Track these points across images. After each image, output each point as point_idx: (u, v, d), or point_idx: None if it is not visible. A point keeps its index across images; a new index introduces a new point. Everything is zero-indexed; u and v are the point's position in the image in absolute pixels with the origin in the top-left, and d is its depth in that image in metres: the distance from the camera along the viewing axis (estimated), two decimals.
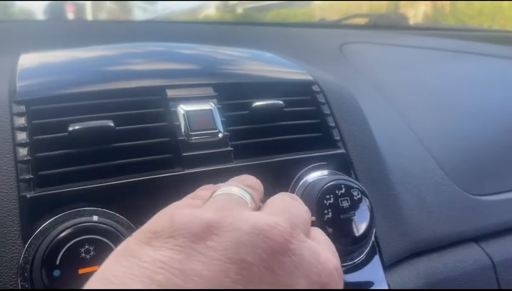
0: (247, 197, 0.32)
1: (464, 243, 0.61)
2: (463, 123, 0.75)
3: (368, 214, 0.50)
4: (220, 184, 0.36)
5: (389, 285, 0.52)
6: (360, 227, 0.49)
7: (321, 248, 0.30)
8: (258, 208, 0.33)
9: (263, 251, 0.26)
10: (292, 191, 0.51)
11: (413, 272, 0.55)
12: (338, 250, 0.48)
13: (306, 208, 0.34)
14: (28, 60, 0.55)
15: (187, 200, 0.34)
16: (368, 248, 0.52)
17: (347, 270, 0.50)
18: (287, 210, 0.31)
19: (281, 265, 0.26)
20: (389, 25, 1.38)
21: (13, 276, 0.39)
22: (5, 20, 1.18)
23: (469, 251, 0.61)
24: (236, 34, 1.06)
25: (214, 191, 0.34)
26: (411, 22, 1.58)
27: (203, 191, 0.36)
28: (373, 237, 0.53)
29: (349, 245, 0.49)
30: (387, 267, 0.53)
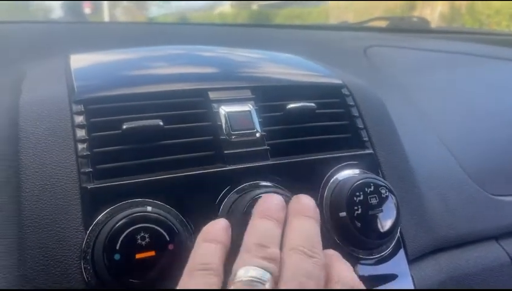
0: (266, 279, 0.34)
1: (485, 241, 0.64)
2: (485, 126, 0.78)
3: (394, 211, 0.53)
4: (240, 258, 0.37)
5: (412, 278, 0.55)
6: (386, 222, 0.52)
7: None
8: (277, 280, 0.35)
9: None
10: (323, 189, 0.55)
11: (435, 266, 0.58)
12: (366, 243, 0.52)
13: (320, 265, 0.37)
14: (79, 61, 0.60)
15: (199, 280, 0.36)
16: (394, 243, 0.56)
17: (374, 263, 0.54)
18: (301, 275, 0.35)
19: None
20: (410, 28, 1.40)
21: (76, 259, 0.43)
22: (34, 22, 1.22)
23: (489, 249, 0.64)
24: (258, 36, 1.10)
25: (232, 273, 0.35)
26: (432, 25, 1.59)
27: (210, 252, 0.38)
28: (398, 232, 0.56)
29: (376, 239, 0.52)
30: (411, 261, 0.57)
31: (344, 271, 0.39)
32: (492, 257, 0.63)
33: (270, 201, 0.43)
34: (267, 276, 0.35)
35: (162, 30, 1.06)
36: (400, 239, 0.57)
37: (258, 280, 0.34)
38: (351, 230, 0.52)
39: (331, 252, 0.41)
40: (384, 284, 0.54)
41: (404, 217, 0.57)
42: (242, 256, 0.37)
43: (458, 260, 0.61)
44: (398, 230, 0.56)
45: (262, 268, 0.35)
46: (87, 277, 0.43)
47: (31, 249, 0.43)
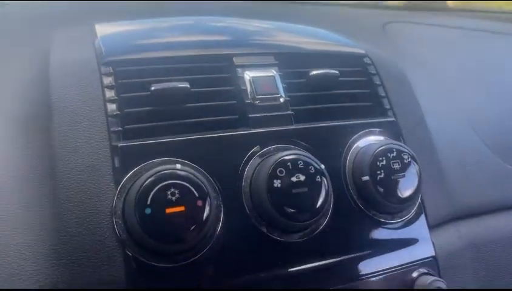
0: None
1: (505, 210, 0.65)
2: (506, 100, 0.78)
3: (416, 176, 0.54)
4: None
5: (433, 243, 0.56)
6: (408, 187, 0.53)
7: None
8: None
9: None
10: (346, 154, 0.55)
11: (455, 233, 0.59)
12: (388, 208, 0.53)
13: None
14: (105, 29, 0.60)
15: None
16: (415, 208, 0.56)
17: (396, 228, 0.55)
18: None
19: None
20: (427, 6, 1.39)
21: (108, 214, 0.44)
22: None
23: (509, 218, 0.64)
24: (275, 10, 1.09)
25: None
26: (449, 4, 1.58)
27: None
28: (420, 198, 0.57)
29: (398, 204, 0.53)
30: (431, 227, 0.57)
31: None
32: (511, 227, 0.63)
33: None
34: None
35: (180, 6, 1.06)
36: (421, 205, 0.57)
37: None
38: (373, 194, 0.52)
39: None
40: (405, 247, 0.54)
41: (425, 185, 0.58)
42: None
43: (478, 228, 0.61)
44: (420, 195, 0.56)
45: None
46: (119, 232, 0.44)
47: (65, 203, 0.44)
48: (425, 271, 0.54)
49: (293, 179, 0.47)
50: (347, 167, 0.54)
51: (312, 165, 0.49)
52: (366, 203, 0.54)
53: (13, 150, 0.47)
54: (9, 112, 0.50)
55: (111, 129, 0.47)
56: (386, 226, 0.54)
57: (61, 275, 0.42)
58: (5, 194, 0.44)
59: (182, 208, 0.43)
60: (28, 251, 0.42)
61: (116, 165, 0.46)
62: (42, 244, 0.43)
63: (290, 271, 0.48)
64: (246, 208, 0.49)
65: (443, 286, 0.51)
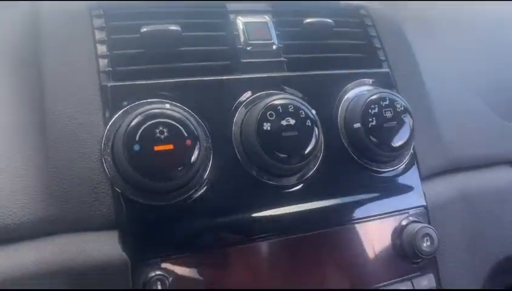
0: None
1: (498, 165, 0.65)
2: (507, 59, 0.76)
3: (409, 126, 0.53)
4: None
5: (424, 193, 0.56)
6: (400, 136, 0.53)
7: None
8: None
9: None
10: (339, 102, 0.55)
11: (447, 185, 0.59)
12: (379, 156, 0.53)
13: None
14: None
15: None
16: (407, 158, 0.56)
17: (387, 178, 0.55)
18: None
19: None
20: None
21: (97, 152, 0.44)
22: None
23: (502, 172, 0.64)
24: None
25: None
26: None
27: None
28: (412, 149, 0.57)
29: (390, 152, 0.53)
30: (423, 178, 0.57)
31: None
32: (505, 180, 0.63)
33: None
34: None
35: None
36: (413, 155, 0.57)
37: None
38: (365, 142, 0.52)
39: None
40: (396, 196, 0.54)
41: (418, 136, 0.57)
42: None
43: (471, 180, 0.61)
44: (412, 145, 0.56)
45: None
46: (108, 169, 0.44)
47: (55, 140, 0.44)
48: (415, 219, 0.54)
49: (283, 122, 0.47)
50: (339, 115, 0.54)
51: (303, 110, 0.48)
52: (358, 151, 0.53)
53: (3, 88, 0.47)
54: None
55: (101, 69, 0.47)
56: (377, 174, 0.54)
57: (50, 210, 0.42)
58: None
59: (171, 147, 0.43)
60: (18, 185, 0.42)
61: (105, 105, 0.46)
62: (32, 179, 0.43)
63: (280, 213, 0.48)
64: (236, 151, 0.49)
65: (432, 233, 0.52)
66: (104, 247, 0.43)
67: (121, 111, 0.46)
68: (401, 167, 0.56)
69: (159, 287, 0.42)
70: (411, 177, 0.56)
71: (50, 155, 0.44)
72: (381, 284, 0.51)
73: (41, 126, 0.45)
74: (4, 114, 0.46)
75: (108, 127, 0.45)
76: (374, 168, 0.54)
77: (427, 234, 0.52)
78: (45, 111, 0.45)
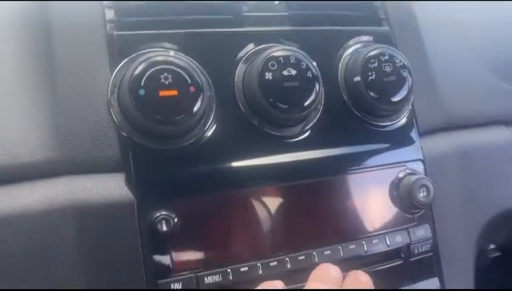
0: None
1: (495, 125, 0.66)
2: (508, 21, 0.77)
3: (407, 81, 0.55)
4: None
5: (422, 148, 0.57)
6: (399, 90, 0.54)
7: None
8: None
9: None
10: (340, 57, 0.56)
11: (445, 141, 0.60)
12: (378, 110, 0.54)
13: None
14: None
15: None
16: (406, 113, 0.57)
17: (386, 133, 0.56)
18: None
19: None
20: None
21: (103, 97, 0.46)
22: None
23: (498, 132, 0.65)
24: None
25: None
26: None
27: None
28: (411, 105, 0.58)
29: (388, 106, 0.54)
30: (421, 134, 0.59)
31: None
32: (502, 139, 0.64)
33: (330, 272, 0.44)
34: None
35: None
36: (412, 111, 0.58)
37: None
38: (364, 96, 0.53)
39: None
40: (394, 149, 0.56)
41: (417, 93, 0.59)
42: None
43: (468, 138, 0.62)
44: (411, 101, 0.57)
45: None
46: (114, 113, 0.45)
47: (62, 84, 0.45)
48: (412, 171, 0.55)
49: (285, 72, 0.48)
50: (339, 69, 0.55)
51: (304, 62, 0.50)
52: (357, 105, 0.55)
53: (14, 41, 0.48)
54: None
55: (107, 18, 0.48)
56: (376, 128, 0.55)
57: (59, 151, 0.44)
58: (6, 77, 0.46)
59: (175, 92, 0.44)
60: (28, 128, 0.44)
61: (112, 53, 0.47)
62: (42, 122, 0.44)
63: (280, 162, 0.50)
64: (238, 101, 0.50)
65: (429, 184, 0.53)
66: (110, 188, 0.44)
67: (127, 59, 0.47)
68: (400, 121, 0.57)
69: (165, 227, 0.44)
70: (409, 132, 0.57)
71: (59, 100, 0.45)
72: (378, 232, 0.52)
73: (50, 73, 0.46)
74: (15, 63, 0.47)
75: (114, 74, 0.46)
76: (373, 122, 0.55)
77: (424, 185, 0.53)
78: (54, 59, 0.46)
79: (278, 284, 0.44)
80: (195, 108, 0.45)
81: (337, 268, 0.45)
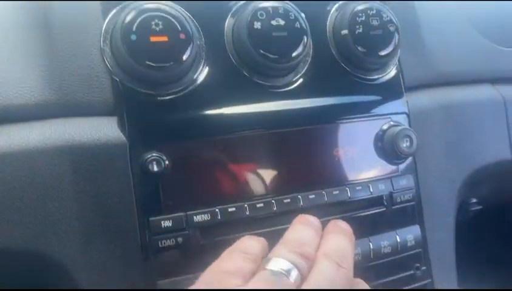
0: (293, 275, 0.36)
1: (481, 83, 0.68)
2: None
3: (394, 35, 0.56)
4: (275, 249, 0.39)
5: (407, 102, 0.59)
6: (386, 45, 0.56)
7: None
8: (302, 281, 0.36)
9: None
10: (328, 12, 0.57)
11: (430, 96, 0.62)
12: (365, 63, 0.55)
13: (347, 278, 0.38)
14: None
15: (237, 261, 0.37)
16: (393, 68, 0.59)
17: (372, 84, 0.58)
18: (326, 282, 0.35)
19: None
20: None
21: (96, 43, 0.47)
22: None
23: (484, 90, 0.67)
24: None
25: (264, 260, 0.38)
26: None
27: (252, 245, 0.40)
28: (398, 60, 0.59)
29: (375, 59, 0.56)
30: (407, 89, 0.60)
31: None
32: (486, 96, 0.66)
33: (309, 219, 0.45)
34: (295, 272, 0.36)
35: None
36: (398, 66, 0.60)
37: (285, 273, 0.36)
38: (352, 49, 0.55)
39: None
40: (379, 102, 0.57)
41: (404, 50, 0.60)
42: (279, 247, 0.39)
43: (453, 94, 0.64)
44: (398, 56, 0.59)
45: (293, 263, 0.36)
46: (107, 59, 0.47)
47: (57, 31, 0.47)
48: (396, 123, 0.57)
49: (273, 22, 0.50)
50: (328, 23, 0.57)
51: (292, 12, 0.51)
52: (345, 57, 0.56)
53: None
54: None
55: None
56: (362, 81, 0.57)
57: (54, 94, 0.46)
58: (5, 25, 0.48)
59: (165, 38, 0.46)
60: (26, 71, 0.46)
61: (103, 5, 0.48)
62: (39, 66, 0.46)
63: (267, 110, 0.52)
64: (228, 50, 0.51)
65: (412, 134, 0.55)
66: (104, 130, 0.46)
67: (119, 7, 0.48)
68: (387, 76, 0.59)
69: (155, 168, 0.46)
70: (396, 87, 0.59)
71: (55, 47, 0.47)
72: (362, 180, 0.55)
73: (47, 22, 0.48)
74: (13, 12, 0.49)
75: (106, 21, 0.48)
76: (360, 75, 0.57)
77: (407, 136, 0.55)
78: (50, 10, 0.48)
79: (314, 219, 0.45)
80: (185, 56, 0.47)
81: (316, 218, 0.46)
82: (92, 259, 0.45)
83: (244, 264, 0.37)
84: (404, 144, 0.55)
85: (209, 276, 0.36)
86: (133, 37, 0.45)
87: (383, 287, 0.54)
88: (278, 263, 0.36)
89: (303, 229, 0.43)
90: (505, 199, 0.82)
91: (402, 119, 0.58)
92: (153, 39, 0.45)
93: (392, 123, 0.57)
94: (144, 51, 0.45)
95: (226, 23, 0.52)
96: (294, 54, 0.51)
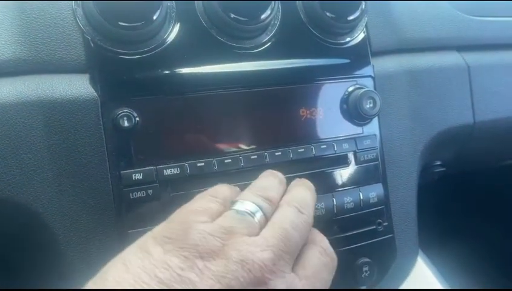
0: (257, 216, 0.39)
1: (447, 50, 0.70)
2: None
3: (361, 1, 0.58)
4: (241, 193, 0.42)
5: (373, 66, 0.62)
6: (353, 9, 0.58)
7: (299, 284, 0.37)
8: (266, 221, 0.39)
9: (244, 280, 0.33)
10: None
11: (396, 61, 0.65)
12: (332, 27, 0.57)
13: (307, 222, 0.41)
14: None
15: (206, 202, 0.40)
16: (360, 33, 0.61)
17: (340, 48, 0.60)
18: (284, 238, 0.37)
19: None
20: None
21: (68, 3, 0.49)
22: None
23: (449, 56, 0.70)
24: None
25: (231, 202, 0.41)
26: None
27: (223, 191, 0.43)
28: (364, 26, 0.61)
29: (342, 23, 0.58)
30: (374, 54, 0.63)
31: (325, 240, 0.43)
32: (451, 63, 0.69)
33: (276, 173, 0.48)
34: (259, 213, 0.39)
35: None
36: (366, 32, 0.62)
37: (250, 213, 0.39)
38: (319, 13, 0.57)
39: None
40: (346, 66, 0.60)
41: (372, 15, 0.63)
42: (244, 192, 0.42)
43: (419, 60, 0.67)
44: (365, 21, 0.61)
45: (257, 205, 0.40)
46: (78, 17, 0.49)
47: (25, 21, 0.48)
48: (361, 86, 0.60)
49: None
50: None
51: None
52: (312, 21, 0.58)
53: None
54: None
55: None
56: (329, 45, 0.59)
57: (26, 51, 0.47)
58: None
59: None
60: None
61: None
62: (11, 25, 0.48)
63: (234, 71, 0.53)
64: (198, 11, 0.53)
65: (376, 96, 0.57)
66: (76, 86, 0.48)
67: None
68: (354, 40, 0.61)
69: (126, 123, 0.48)
70: (362, 51, 0.61)
71: (26, 5, 0.48)
72: (327, 139, 0.57)
73: None
74: None
75: None
76: (328, 39, 0.59)
77: (371, 97, 0.58)
78: None
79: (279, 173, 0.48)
80: (155, 15, 0.48)
81: (281, 174, 0.49)
82: (66, 209, 0.47)
83: (212, 205, 0.40)
84: (368, 105, 0.57)
85: (179, 214, 0.39)
86: None
87: (347, 239, 0.58)
88: (244, 204, 0.40)
89: (269, 179, 0.46)
90: (468, 162, 0.85)
91: (367, 82, 0.61)
92: None
93: (357, 85, 0.60)
94: (115, 11, 0.47)
95: None
96: (262, 16, 0.52)
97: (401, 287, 0.65)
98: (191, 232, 0.35)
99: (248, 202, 0.40)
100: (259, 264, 0.34)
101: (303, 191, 0.46)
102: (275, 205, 0.42)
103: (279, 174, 0.48)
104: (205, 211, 0.39)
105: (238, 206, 0.40)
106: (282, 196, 0.44)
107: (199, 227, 0.36)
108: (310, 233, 0.43)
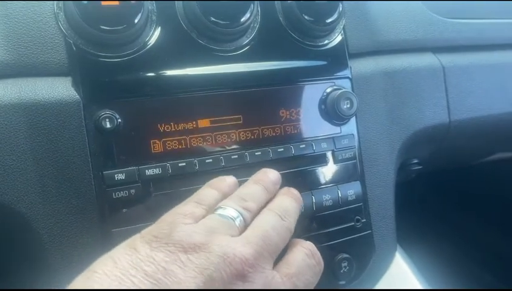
0: (238, 221, 0.42)
1: (423, 51, 0.72)
2: None
3: (339, 3, 0.60)
4: (224, 201, 0.45)
5: (350, 68, 0.63)
6: (331, 12, 0.59)
7: (279, 281, 0.39)
8: (246, 227, 0.42)
9: (225, 272, 0.36)
10: None
11: (373, 63, 0.66)
12: (311, 30, 0.59)
13: (288, 229, 0.44)
14: None
15: (191, 207, 0.43)
16: (338, 35, 0.63)
17: (318, 50, 0.61)
18: (264, 237, 0.40)
19: (235, 287, 0.36)
20: None
21: (50, 9, 0.50)
22: None
23: (425, 58, 0.72)
24: None
25: (214, 207, 0.43)
26: None
27: (208, 194, 0.46)
28: (342, 28, 0.63)
29: (320, 26, 0.59)
30: (351, 55, 0.64)
31: (313, 245, 0.46)
32: (427, 64, 0.71)
33: (267, 174, 0.51)
34: (240, 218, 0.42)
35: None
36: (343, 34, 0.64)
37: (231, 218, 0.42)
38: (298, 16, 0.58)
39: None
40: (324, 67, 0.61)
41: (349, 18, 0.64)
42: (226, 200, 0.45)
43: (395, 61, 0.69)
44: (342, 24, 0.63)
45: (238, 212, 0.43)
46: (60, 22, 0.50)
47: (13, 5, 0.49)
48: (339, 87, 0.61)
49: None
50: None
51: None
52: (291, 24, 0.60)
53: None
54: None
55: None
56: (308, 46, 0.60)
57: (9, 55, 0.48)
58: None
59: (117, 2, 0.49)
60: None
61: None
62: None
63: (214, 73, 0.55)
64: (178, 15, 0.54)
65: (353, 97, 0.59)
66: (58, 89, 0.49)
67: None
68: (331, 42, 0.62)
69: (108, 124, 0.49)
70: (340, 53, 0.63)
71: (8, 9, 0.49)
72: (306, 139, 0.59)
73: None
74: None
75: None
76: (306, 42, 0.60)
77: (348, 98, 0.59)
78: None
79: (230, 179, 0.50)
80: (136, 19, 0.49)
81: (275, 173, 0.51)
82: (50, 209, 0.48)
83: (197, 210, 0.43)
84: (345, 106, 0.59)
85: (166, 217, 0.42)
86: (85, 1, 0.48)
87: (326, 236, 0.59)
88: (226, 210, 0.43)
89: (252, 187, 0.48)
90: (444, 160, 0.88)
91: (345, 83, 0.62)
92: (104, 3, 0.48)
93: (335, 86, 0.61)
94: (96, 15, 0.48)
95: None
96: (242, 19, 0.54)
97: (380, 282, 0.67)
98: (176, 230, 0.38)
99: (230, 208, 0.43)
100: (240, 257, 0.37)
101: (287, 200, 0.48)
102: (254, 214, 0.44)
103: (266, 180, 0.50)
104: (190, 214, 0.42)
105: (220, 211, 0.42)
106: (268, 201, 0.47)
107: (184, 226, 0.39)
108: (298, 241, 0.46)
